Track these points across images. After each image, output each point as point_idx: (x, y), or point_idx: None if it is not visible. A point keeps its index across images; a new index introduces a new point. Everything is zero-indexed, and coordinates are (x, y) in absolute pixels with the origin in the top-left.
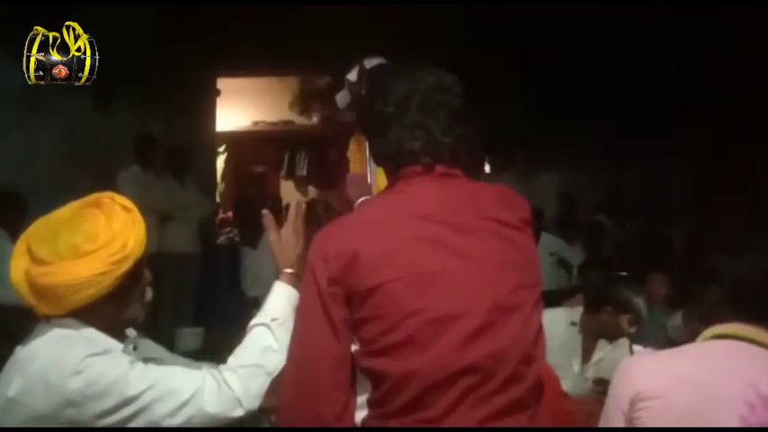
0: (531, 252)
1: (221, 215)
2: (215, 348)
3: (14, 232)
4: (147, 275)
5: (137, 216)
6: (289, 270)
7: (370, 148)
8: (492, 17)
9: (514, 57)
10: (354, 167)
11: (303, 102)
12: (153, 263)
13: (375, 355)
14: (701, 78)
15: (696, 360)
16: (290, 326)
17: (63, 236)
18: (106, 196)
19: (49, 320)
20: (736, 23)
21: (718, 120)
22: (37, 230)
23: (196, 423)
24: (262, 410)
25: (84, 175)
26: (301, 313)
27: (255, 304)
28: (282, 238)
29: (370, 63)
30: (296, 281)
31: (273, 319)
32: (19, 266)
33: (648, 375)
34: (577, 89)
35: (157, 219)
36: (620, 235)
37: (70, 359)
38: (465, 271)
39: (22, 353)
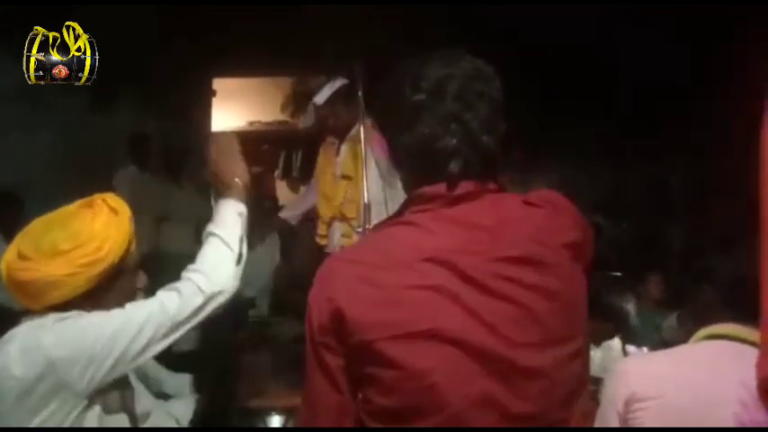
0: (567, 294)
1: None
2: (211, 349)
3: (10, 233)
4: (141, 280)
5: (123, 220)
6: (238, 180)
7: (390, 147)
8: (492, 17)
9: (514, 57)
10: (324, 180)
11: (296, 103)
12: (149, 263)
13: (374, 417)
14: (701, 78)
15: (690, 360)
16: (237, 229)
17: (50, 233)
18: (100, 197)
19: (32, 316)
20: (736, 23)
21: (718, 120)
22: (32, 226)
23: (170, 332)
24: (260, 411)
25: (82, 175)
26: (306, 355)
27: (252, 304)
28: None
29: (333, 87)
30: (244, 192)
31: (223, 230)
32: (6, 258)
33: (643, 376)
34: (577, 89)
35: (154, 219)
36: (616, 235)
37: (43, 326)
38: (469, 330)
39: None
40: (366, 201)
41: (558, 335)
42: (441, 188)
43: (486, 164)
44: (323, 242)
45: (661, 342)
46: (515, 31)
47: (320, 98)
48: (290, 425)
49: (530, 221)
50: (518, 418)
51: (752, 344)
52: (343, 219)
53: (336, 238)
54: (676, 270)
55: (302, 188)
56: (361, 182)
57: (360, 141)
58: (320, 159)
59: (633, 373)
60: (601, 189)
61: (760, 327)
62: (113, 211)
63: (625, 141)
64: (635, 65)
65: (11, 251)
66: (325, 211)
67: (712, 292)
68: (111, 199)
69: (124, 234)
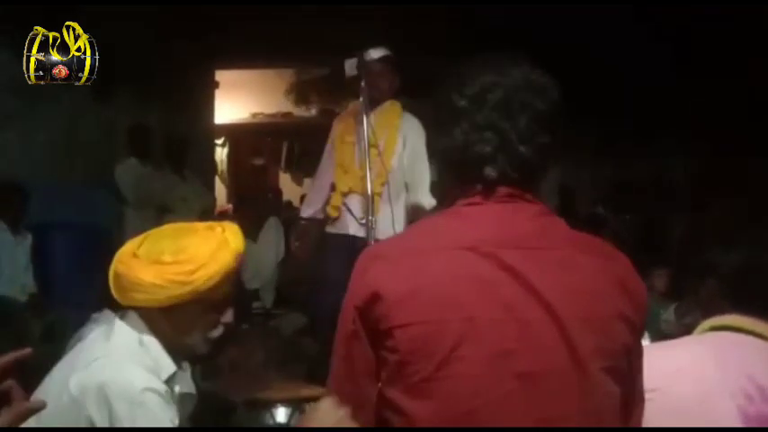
0: (606, 310)
1: (221, 208)
2: (215, 341)
3: (14, 224)
4: (228, 316)
5: (228, 254)
6: None
7: (428, 149)
8: (492, 17)
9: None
10: (342, 150)
11: (299, 91)
12: None
13: (393, 401)
14: (701, 75)
15: (694, 352)
16: None
17: (164, 241)
18: (223, 225)
19: (121, 312)
20: (735, 21)
21: (718, 114)
22: (161, 230)
23: None
24: (264, 403)
25: (83, 167)
26: (336, 333)
27: (255, 297)
28: None
29: (373, 55)
30: None
31: None
32: (121, 249)
33: (647, 368)
34: (579, 84)
35: (156, 211)
36: (619, 227)
37: (134, 383)
38: (501, 325)
39: (91, 347)
40: (370, 192)
41: (591, 346)
42: (484, 189)
43: (524, 173)
44: (334, 214)
45: (658, 334)
46: (516, 31)
47: (376, 53)
48: (294, 416)
49: (567, 231)
50: (540, 422)
51: (758, 336)
52: (365, 193)
53: (359, 213)
54: (678, 262)
55: (306, 180)
56: (386, 160)
57: (394, 116)
58: (338, 129)
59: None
60: (601, 181)
61: None
62: (225, 242)
63: (626, 134)
64: (636, 61)
65: (131, 246)
66: (344, 182)
67: (715, 284)
68: (232, 231)
69: (222, 268)
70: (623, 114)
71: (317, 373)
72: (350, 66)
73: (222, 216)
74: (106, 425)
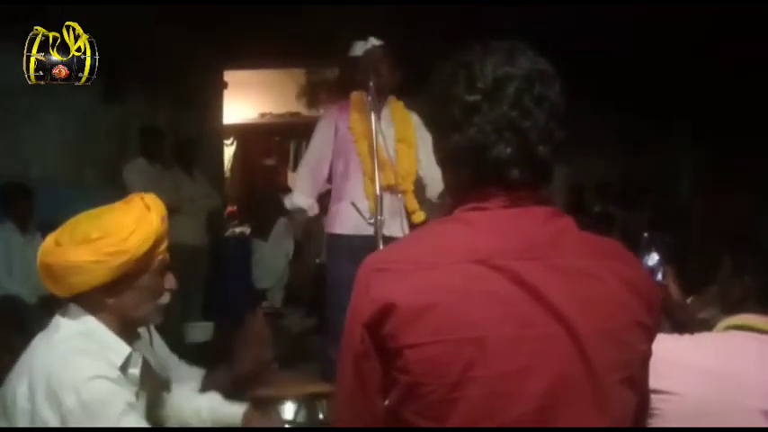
0: (620, 319)
1: (230, 208)
2: (225, 340)
3: (23, 224)
4: (170, 281)
5: (154, 217)
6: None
7: (435, 146)
8: (498, 14)
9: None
10: (370, 149)
11: (310, 93)
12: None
13: (409, 422)
14: (711, 71)
15: (716, 351)
16: None
17: (85, 223)
18: (139, 195)
19: (63, 308)
20: (740, 17)
21: (729, 110)
22: (75, 218)
23: None
24: (272, 399)
25: (93, 167)
26: (341, 350)
27: (264, 296)
28: None
29: (374, 41)
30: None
31: None
32: (43, 245)
33: (665, 368)
34: (589, 81)
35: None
36: (629, 225)
37: (79, 372)
38: (519, 340)
39: (35, 349)
40: (378, 192)
41: (609, 358)
42: (497, 191)
43: (540, 173)
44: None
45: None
46: (519, 30)
47: (378, 40)
48: (301, 413)
49: (581, 239)
50: None
51: None
52: (401, 191)
53: (389, 210)
54: (695, 258)
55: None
56: (414, 155)
57: (405, 111)
58: (354, 123)
59: (657, 362)
60: (611, 179)
61: None
62: (146, 207)
63: (636, 132)
64: (645, 57)
65: (50, 239)
66: (381, 179)
67: (746, 282)
68: (148, 197)
69: (152, 230)
70: (635, 111)
71: (324, 371)
72: (359, 47)
73: (231, 217)
74: (58, 423)
